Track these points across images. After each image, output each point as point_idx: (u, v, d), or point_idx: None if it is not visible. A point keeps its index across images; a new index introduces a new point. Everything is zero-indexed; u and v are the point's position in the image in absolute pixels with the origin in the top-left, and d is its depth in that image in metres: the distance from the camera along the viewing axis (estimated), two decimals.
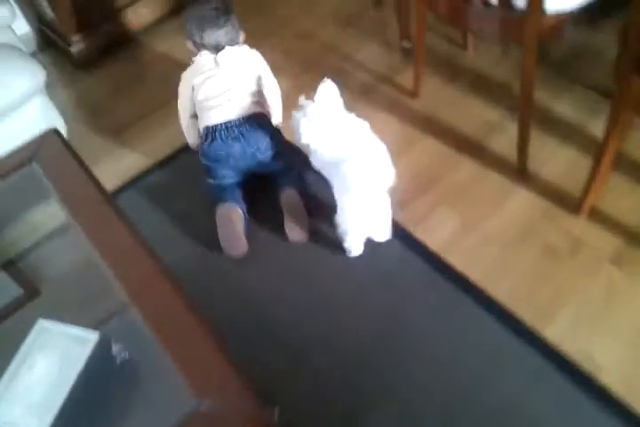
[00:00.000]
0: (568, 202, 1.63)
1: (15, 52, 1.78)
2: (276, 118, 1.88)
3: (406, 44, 2.10)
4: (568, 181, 1.67)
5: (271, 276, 1.63)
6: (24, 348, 1.13)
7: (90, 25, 2.38)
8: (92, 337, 1.13)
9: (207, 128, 1.70)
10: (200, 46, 1.72)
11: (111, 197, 1.24)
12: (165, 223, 1.81)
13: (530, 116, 1.61)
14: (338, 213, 1.54)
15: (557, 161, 1.73)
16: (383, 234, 1.61)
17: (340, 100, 1.57)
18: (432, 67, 2.04)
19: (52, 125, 1.82)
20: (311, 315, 1.53)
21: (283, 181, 1.73)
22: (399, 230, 1.65)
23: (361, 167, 1.43)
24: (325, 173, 1.58)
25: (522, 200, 1.66)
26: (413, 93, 1.99)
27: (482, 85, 1.98)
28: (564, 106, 1.86)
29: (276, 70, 1.95)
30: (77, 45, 2.39)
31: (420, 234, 1.65)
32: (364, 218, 1.52)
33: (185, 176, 1.94)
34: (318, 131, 1.51)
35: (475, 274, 1.54)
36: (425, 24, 1.77)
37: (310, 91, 2.01)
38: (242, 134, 1.66)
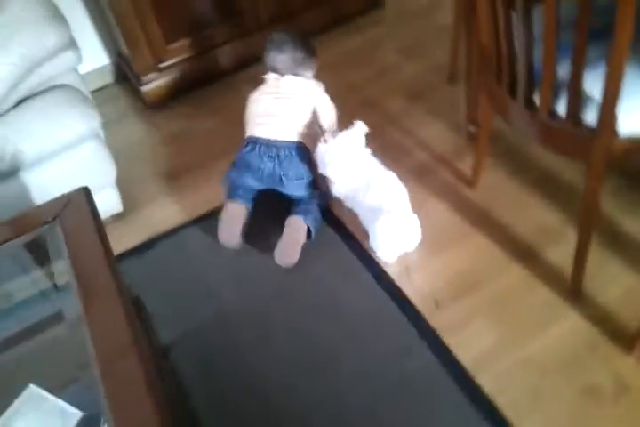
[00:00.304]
0: (620, 336, 1.45)
1: (76, 95, 1.76)
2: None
3: (472, 129, 1.98)
4: (625, 312, 1.49)
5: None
6: (9, 412, 1.09)
7: (162, 67, 2.39)
8: (76, 414, 1.07)
9: (251, 137, 1.81)
10: (268, 66, 1.87)
11: (116, 265, 1.17)
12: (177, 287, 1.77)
13: (591, 233, 1.45)
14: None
15: (617, 286, 1.55)
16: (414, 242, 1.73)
17: (363, 142, 1.74)
18: (496, 156, 1.92)
19: (102, 168, 1.83)
20: None
21: (296, 209, 1.78)
22: (430, 333, 1.53)
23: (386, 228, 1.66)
24: (347, 203, 1.79)
25: (569, 325, 1.50)
26: (471, 183, 1.87)
27: (547, 184, 1.84)
28: (637, 223, 1.68)
29: None
30: (148, 85, 2.40)
31: (452, 342, 1.50)
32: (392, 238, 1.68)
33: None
34: (340, 164, 1.69)
35: (504, 400, 1.38)
36: (492, 116, 1.65)
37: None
38: (278, 156, 1.76)
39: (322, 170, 1.72)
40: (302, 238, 1.73)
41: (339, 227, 1.84)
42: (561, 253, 1.62)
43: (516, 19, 1.22)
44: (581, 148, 1.28)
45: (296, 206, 1.79)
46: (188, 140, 2.28)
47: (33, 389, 1.13)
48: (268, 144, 1.77)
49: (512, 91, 1.38)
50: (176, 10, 2.29)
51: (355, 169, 1.70)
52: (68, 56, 1.73)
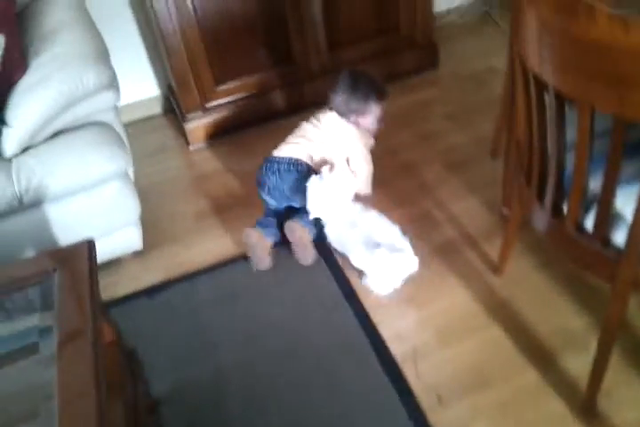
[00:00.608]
0: None
1: (109, 134, 1.76)
2: (364, 189, 2.02)
3: (506, 212, 1.90)
4: None
5: None
6: None
7: (208, 107, 2.39)
8: None
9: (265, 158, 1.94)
10: None
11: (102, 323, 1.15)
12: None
13: (611, 349, 1.34)
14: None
15: (636, 409, 1.43)
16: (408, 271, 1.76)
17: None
18: (527, 243, 1.82)
19: (125, 207, 1.82)
20: None
21: (293, 216, 1.86)
22: None
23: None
24: (338, 246, 1.85)
25: None
26: (496, 269, 1.78)
27: (575, 282, 1.73)
28: None
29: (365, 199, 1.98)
30: (192, 123, 2.41)
31: None
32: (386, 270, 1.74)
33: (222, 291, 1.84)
34: (324, 202, 1.76)
35: None
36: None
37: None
38: (278, 170, 1.88)
39: (307, 205, 1.77)
40: (306, 236, 1.82)
41: (350, 298, 1.77)
42: (579, 362, 1.51)
43: (549, 121, 1.15)
44: (607, 268, 1.19)
45: (295, 213, 1.88)
46: (222, 181, 2.27)
47: None
48: (274, 161, 1.90)
49: (540, 194, 1.30)
50: (228, 53, 2.30)
51: (340, 208, 1.77)
52: (107, 96, 1.73)
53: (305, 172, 1.86)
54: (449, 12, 2.91)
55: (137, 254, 2.00)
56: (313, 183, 1.74)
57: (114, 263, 1.97)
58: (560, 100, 1.10)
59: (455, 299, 1.73)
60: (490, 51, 2.72)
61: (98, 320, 1.17)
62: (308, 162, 1.89)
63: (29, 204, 1.65)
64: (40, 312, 1.21)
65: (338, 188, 1.75)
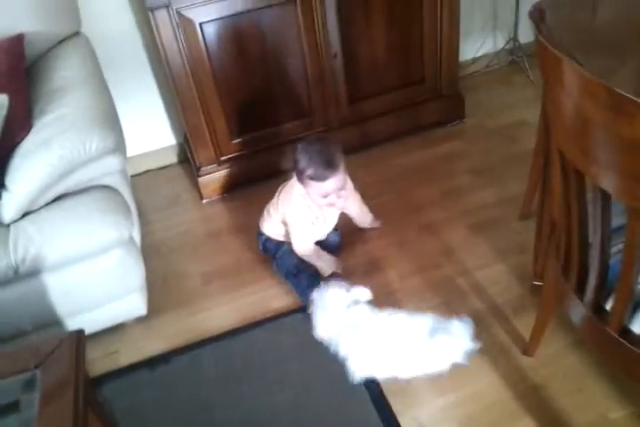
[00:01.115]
0: None
1: (113, 200, 1.68)
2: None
3: (536, 282, 1.75)
4: None
5: None
6: None
7: (222, 160, 2.31)
8: None
9: None
10: None
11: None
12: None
13: None
14: None
15: None
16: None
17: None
18: (560, 318, 1.65)
19: (128, 275, 1.72)
20: None
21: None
22: None
23: None
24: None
25: None
26: (527, 349, 1.62)
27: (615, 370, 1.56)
28: None
29: (384, 262, 1.95)
30: (206, 177, 2.34)
31: None
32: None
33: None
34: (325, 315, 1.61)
35: None
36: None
37: (411, 298, 1.76)
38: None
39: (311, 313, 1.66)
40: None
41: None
42: None
43: (591, 213, 1.02)
44: None
45: None
46: (234, 239, 2.17)
47: None
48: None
49: (579, 288, 1.16)
50: (244, 107, 2.22)
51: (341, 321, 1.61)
52: (112, 160, 1.65)
53: (263, 241, 1.98)
54: (474, 61, 2.82)
55: (140, 320, 1.89)
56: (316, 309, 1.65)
57: (116, 329, 1.86)
58: (606, 197, 0.97)
59: (482, 383, 1.57)
60: (519, 102, 2.61)
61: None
62: (270, 233, 1.96)
63: (25, 274, 1.56)
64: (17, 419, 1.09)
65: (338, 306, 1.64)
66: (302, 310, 1.80)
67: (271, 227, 1.95)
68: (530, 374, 1.57)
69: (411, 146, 2.44)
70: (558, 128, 1.11)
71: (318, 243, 1.95)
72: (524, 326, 1.67)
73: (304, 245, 1.88)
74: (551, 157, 1.22)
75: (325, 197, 1.77)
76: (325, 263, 1.90)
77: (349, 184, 1.93)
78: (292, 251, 1.90)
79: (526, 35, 2.77)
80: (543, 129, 1.70)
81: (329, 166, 1.71)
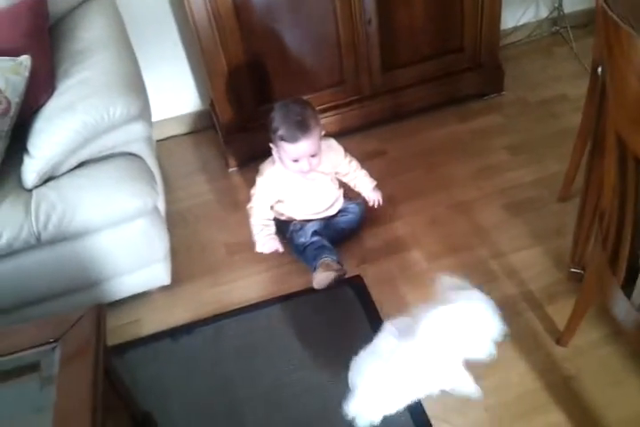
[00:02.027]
0: None
1: (137, 168, 1.63)
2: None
3: (574, 269, 1.67)
4: None
5: None
6: None
7: (249, 127, 2.23)
8: None
9: None
10: None
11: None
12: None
13: None
14: None
15: None
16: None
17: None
18: (598, 307, 1.58)
19: (152, 244, 1.69)
20: None
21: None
22: None
23: None
24: None
25: None
26: (561, 338, 1.56)
27: None
28: None
29: (411, 241, 1.88)
30: (231, 144, 2.26)
31: None
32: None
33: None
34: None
35: None
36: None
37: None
38: None
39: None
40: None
41: None
42: None
43: None
44: None
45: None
46: None
47: None
48: None
49: (628, 283, 1.08)
50: (273, 72, 2.13)
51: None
52: (136, 127, 1.59)
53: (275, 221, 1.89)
54: (515, 30, 2.67)
55: (164, 289, 1.86)
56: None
57: (139, 298, 1.83)
58: None
59: (511, 371, 1.52)
60: (562, 75, 2.47)
61: (99, 404, 1.02)
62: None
63: (48, 241, 1.52)
64: (38, 390, 1.07)
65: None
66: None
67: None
68: (562, 365, 1.52)
69: (445, 119, 2.33)
70: (619, 110, 1.02)
71: (328, 223, 1.90)
72: (559, 314, 1.60)
73: (251, 215, 1.83)
74: (606, 142, 1.13)
75: (296, 161, 1.72)
76: (260, 241, 1.82)
77: (354, 163, 1.89)
78: (298, 230, 1.85)
79: (572, 4, 2.62)
80: (591, 109, 1.60)
81: (301, 127, 1.66)
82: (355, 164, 1.91)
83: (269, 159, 1.84)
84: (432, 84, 2.33)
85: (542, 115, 2.31)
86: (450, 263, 1.81)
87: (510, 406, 1.45)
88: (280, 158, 1.76)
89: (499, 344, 1.53)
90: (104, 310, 1.14)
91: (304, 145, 1.68)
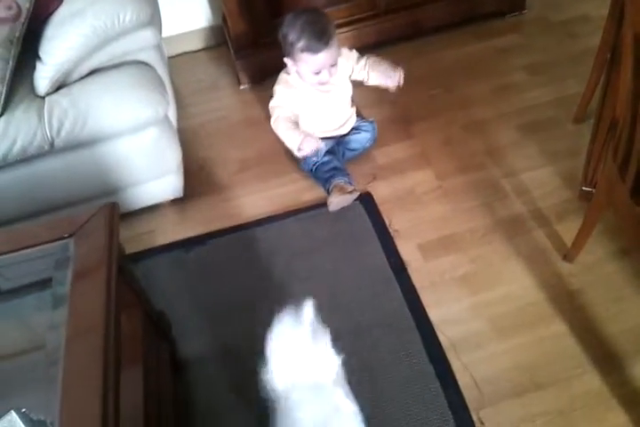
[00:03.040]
0: None
1: (148, 77, 1.60)
2: None
3: (585, 188, 1.67)
4: None
5: None
6: None
7: (262, 42, 2.18)
8: None
9: None
10: None
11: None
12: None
13: None
14: None
15: None
16: None
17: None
18: (606, 225, 1.59)
19: (165, 154, 1.69)
20: None
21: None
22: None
23: None
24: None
25: None
26: (568, 255, 1.58)
27: None
28: None
29: (425, 158, 1.87)
30: (243, 60, 2.21)
31: None
32: None
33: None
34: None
35: None
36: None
37: (448, 198, 1.70)
38: None
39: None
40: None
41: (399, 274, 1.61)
42: None
43: None
44: None
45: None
46: (262, 130, 2.07)
47: (13, 416, 1.04)
48: None
49: (636, 191, 1.08)
50: None
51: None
52: (146, 34, 1.56)
53: None
54: None
55: (176, 202, 1.88)
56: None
57: (152, 209, 1.86)
58: None
59: (516, 284, 1.55)
60: None
61: (113, 298, 1.06)
62: None
63: (61, 148, 1.53)
64: (53, 286, 1.10)
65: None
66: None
67: None
68: (567, 280, 1.54)
69: (464, 37, 2.26)
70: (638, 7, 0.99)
71: (340, 141, 1.88)
72: (567, 231, 1.61)
73: (277, 126, 1.77)
74: (623, 45, 1.09)
75: (317, 73, 1.69)
76: (298, 143, 1.70)
77: (353, 53, 1.83)
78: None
79: None
80: (612, 23, 1.55)
81: (322, 37, 1.62)
82: (372, 58, 1.83)
83: (283, 71, 1.81)
84: (451, 1, 2.24)
85: (563, 35, 2.24)
86: (460, 182, 1.81)
87: (514, 316, 1.49)
88: (298, 72, 1.73)
89: (505, 260, 1.57)
90: (117, 208, 1.15)
91: (326, 55, 1.64)
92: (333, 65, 1.69)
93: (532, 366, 1.40)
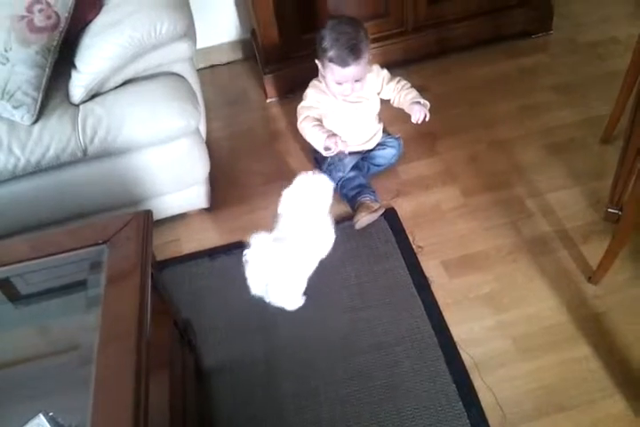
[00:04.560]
0: None
1: (181, 88, 1.63)
2: None
3: (612, 209, 1.66)
4: None
5: None
6: None
7: (291, 57, 2.21)
8: None
9: None
10: None
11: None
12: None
13: None
14: None
15: None
16: None
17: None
18: (632, 247, 1.59)
19: (193, 166, 1.72)
20: None
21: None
22: None
23: None
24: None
25: None
26: (593, 277, 1.57)
27: None
28: None
29: (450, 175, 1.88)
30: (272, 74, 2.25)
31: None
32: None
33: None
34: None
35: None
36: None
37: (473, 216, 1.70)
38: None
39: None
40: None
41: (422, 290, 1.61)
42: None
43: None
44: None
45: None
46: (297, 140, 2.08)
47: (41, 419, 1.05)
48: None
49: None
50: (317, 1, 2.08)
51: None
52: (182, 46, 1.59)
53: (313, 152, 1.92)
54: None
55: (202, 212, 1.91)
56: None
57: (178, 218, 1.88)
58: None
59: (541, 305, 1.54)
60: (612, 17, 2.38)
61: (147, 305, 1.07)
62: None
63: (94, 155, 1.55)
64: (87, 289, 1.12)
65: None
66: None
67: None
68: (592, 302, 1.54)
69: (491, 56, 2.28)
70: None
71: (365, 157, 1.90)
72: (592, 252, 1.61)
73: (304, 127, 1.76)
74: None
75: (340, 84, 1.70)
76: (324, 144, 1.68)
77: (402, 82, 1.82)
78: (336, 163, 1.85)
79: None
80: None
81: (352, 52, 1.63)
82: (402, 82, 1.83)
83: (315, 79, 1.82)
84: (478, 20, 2.27)
85: (590, 56, 2.24)
86: (485, 200, 1.81)
87: (538, 337, 1.48)
88: (323, 75, 1.74)
89: (529, 279, 1.57)
90: (151, 215, 1.17)
91: (352, 70, 1.66)
92: (358, 80, 1.70)
93: (555, 388, 1.39)
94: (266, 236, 1.48)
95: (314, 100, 1.79)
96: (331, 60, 1.65)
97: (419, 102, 1.76)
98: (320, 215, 1.57)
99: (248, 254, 1.47)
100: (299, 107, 1.80)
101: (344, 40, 1.63)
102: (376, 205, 1.75)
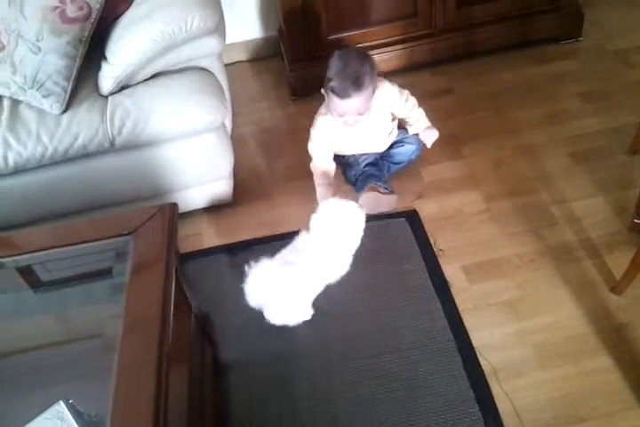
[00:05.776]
0: None
1: (209, 84, 1.64)
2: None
3: (637, 220, 1.64)
4: None
5: None
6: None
7: (316, 56, 2.20)
8: None
9: None
10: None
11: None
12: None
13: None
14: None
15: None
16: None
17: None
18: None
19: (218, 161, 1.72)
20: None
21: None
22: None
23: None
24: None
25: None
26: (617, 287, 1.55)
27: None
28: None
29: (474, 179, 1.87)
30: (297, 73, 2.24)
31: None
32: None
33: None
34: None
35: None
36: None
37: (495, 221, 1.69)
38: None
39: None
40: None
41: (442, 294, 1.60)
42: None
43: None
44: None
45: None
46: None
47: (61, 406, 1.07)
48: None
49: None
50: (346, 2, 2.07)
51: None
52: (211, 41, 1.60)
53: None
54: None
55: (225, 207, 1.91)
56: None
57: (200, 212, 1.89)
58: None
59: (562, 313, 1.53)
60: None
61: (170, 296, 1.07)
62: None
63: (121, 146, 1.56)
64: (112, 277, 1.12)
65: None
66: (380, 218, 1.78)
67: None
68: (615, 313, 1.52)
69: (518, 61, 2.26)
70: None
71: (383, 155, 1.89)
72: (616, 262, 1.59)
73: (312, 161, 1.81)
74: None
75: (341, 115, 1.68)
76: (319, 194, 1.80)
77: (411, 102, 1.81)
78: (351, 163, 1.86)
79: None
80: None
81: (354, 84, 1.61)
82: (412, 103, 1.83)
83: (321, 107, 1.79)
84: (507, 24, 2.25)
85: (619, 64, 2.22)
86: (509, 205, 1.80)
87: (558, 346, 1.47)
88: (327, 105, 1.73)
89: (551, 287, 1.55)
90: (177, 208, 1.18)
91: (353, 102, 1.63)
92: (362, 113, 1.67)
93: (574, 399, 1.38)
94: (269, 262, 1.51)
95: (321, 138, 1.78)
96: (332, 91, 1.64)
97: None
98: (343, 246, 1.55)
99: (249, 276, 1.50)
100: (308, 147, 1.80)
101: (346, 72, 1.61)
102: (382, 188, 1.75)
